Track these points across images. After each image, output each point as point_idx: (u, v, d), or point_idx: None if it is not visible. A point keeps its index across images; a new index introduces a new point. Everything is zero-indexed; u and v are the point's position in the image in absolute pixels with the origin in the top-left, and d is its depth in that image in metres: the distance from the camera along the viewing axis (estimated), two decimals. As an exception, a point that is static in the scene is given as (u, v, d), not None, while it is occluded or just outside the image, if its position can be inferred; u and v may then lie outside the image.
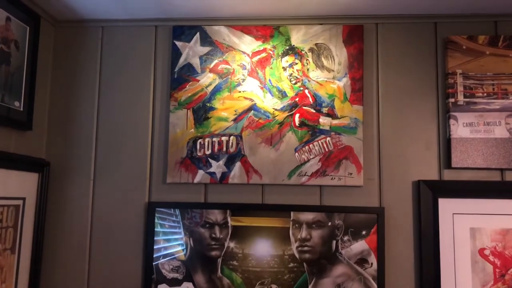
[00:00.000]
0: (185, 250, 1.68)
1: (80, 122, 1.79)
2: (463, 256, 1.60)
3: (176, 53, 1.77)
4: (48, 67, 1.80)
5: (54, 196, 1.75)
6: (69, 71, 1.82)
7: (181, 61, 1.77)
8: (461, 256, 1.60)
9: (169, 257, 1.68)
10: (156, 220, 1.69)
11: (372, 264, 1.62)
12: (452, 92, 1.65)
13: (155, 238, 1.69)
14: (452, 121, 1.64)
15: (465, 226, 1.61)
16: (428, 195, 1.62)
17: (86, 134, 1.78)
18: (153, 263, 1.68)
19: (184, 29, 1.78)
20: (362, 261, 1.62)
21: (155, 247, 1.68)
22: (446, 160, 1.65)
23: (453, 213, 1.62)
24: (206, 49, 1.77)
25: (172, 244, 1.68)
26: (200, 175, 1.71)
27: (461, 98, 1.65)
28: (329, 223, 1.65)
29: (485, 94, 1.64)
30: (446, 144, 1.66)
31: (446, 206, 1.62)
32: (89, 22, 1.83)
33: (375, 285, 1.60)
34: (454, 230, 1.61)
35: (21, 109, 1.58)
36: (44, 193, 1.69)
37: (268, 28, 1.76)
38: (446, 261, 1.60)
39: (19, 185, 1.56)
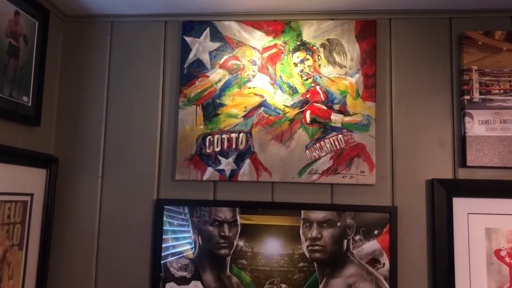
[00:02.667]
0: (193, 248, 1.65)
1: (89, 118, 1.77)
2: (478, 257, 1.56)
3: (185, 49, 1.75)
4: (57, 63, 1.79)
5: (62, 192, 1.74)
6: (78, 66, 1.80)
7: (191, 56, 1.74)
8: (476, 257, 1.56)
9: (178, 255, 1.66)
10: (164, 218, 1.67)
11: (384, 264, 1.58)
12: (468, 89, 1.61)
13: (163, 236, 1.66)
14: (467, 119, 1.60)
15: (480, 226, 1.57)
16: (442, 194, 1.59)
17: (95, 130, 1.77)
18: (161, 261, 1.65)
19: (194, 25, 1.75)
20: (374, 261, 1.59)
21: (163, 245, 1.66)
22: (460, 158, 1.61)
23: (468, 213, 1.58)
24: (216, 45, 1.74)
25: (180, 242, 1.66)
26: (209, 172, 1.68)
27: (476, 95, 1.61)
28: (340, 222, 1.61)
29: (502, 91, 1.60)
30: (461, 142, 1.62)
31: (461, 206, 1.58)
32: (98, 17, 1.81)
33: (387, 285, 1.57)
34: (469, 231, 1.57)
35: (29, 104, 1.57)
36: (52, 189, 1.68)
37: (279, 23, 1.73)
38: (461, 262, 1.56)
39: (27, 181, 1.55)
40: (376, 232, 1.60)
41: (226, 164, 1.68)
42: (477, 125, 1.60)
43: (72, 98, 1.79)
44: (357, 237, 1.60)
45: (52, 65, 1.74)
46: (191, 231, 1.66)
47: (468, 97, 1.61)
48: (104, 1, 1.70)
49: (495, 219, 1.57)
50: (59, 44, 1.79)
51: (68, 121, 1.78)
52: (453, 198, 1.58)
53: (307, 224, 1.62)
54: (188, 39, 1.75)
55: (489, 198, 1.57)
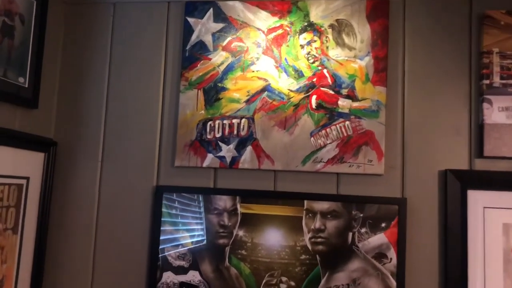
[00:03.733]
0: (192, 237, 1.60)
1: (90, 101, 1.73)
2: (494, 254, 1.44)
3: (188, 30, 1.68)
4: (59, 45, 1.75)
5: (60, 176, 1.71)
6: (79, 49, 1.76)
7: (193, 38, 1.68)
8: (492, 255, 1.44)
9: (176, 243, 1.60)
10: (163, 206, 1.62)
11: (391, 259, 1.49)
12: (487, 73, 1.49)
13: (162, 225, 1.61)
14: (486, 105, 1.48)
15: (497, 221, 1.45)
16: (456, 186, 1.47)
17: (96, 114, 1.72)
18: (159, 250, 1.60)
19: (197, 5, 1.68)
20: (380, 255, 1.49)
21: (161, 234, 1.61)
22: (477, 148, 1.49)
23: (484, 207, 1.46)
24: (219, 26, 1.67)
25: (179, 229, 1.60)
26: (209, 159, 1.61)
27: (497, 80, 1.48)
28: (346, 214, 1.52)
29: (525, 76, 1.47)
30: (478, 131, 1.50)
31: (476, 199, 1.46)
32: (101, -2, 1.76)
33: (394, 282, 1.47)
34: (485, 226, 1.46)
35: (26, 86, 1.53)
36: (50, 173, 1.65)
37: (286, 3, 1.64)
38: (475, 260, 1.45)
39: (23, 164, 1.52)
40: (383, 225, 1.50)
41: (227, 150, 1.61)
42: (496, 112, 1.47)
43: (74, 81, 1.75)
44: (363, 230, 1.51)
45: (52, 47, 1.70)
46: (190, 219, 1.60)
47: (488, 81, 1.49)
48: (106, -19, 1.65)
49: (514, 214, 1.45)
50: (61, 26, 1.75)
51: (69, 104, 1.74)
52: (468, 191, 1.46)
53: (310, 215, 1.54)
54: (190, 20, 1.68)
55: (508, 191, 1.45)
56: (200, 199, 1.60)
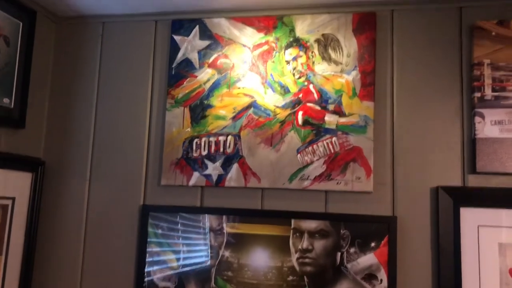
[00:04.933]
0: (178, 257, 1.56)
1: (79, 120, 1.74)
2: (491, 276, 1.37)
3: (174, 48, 1.68)
4: (48, 64, 1.76)
5: (48, 196, 1.70)
6: (69, 68, 1.77)
7: (179, 56, 1.67)
8: (487, 276, 1.37)
9: (162, 265, 1.57)
10: (149, 225, 1.60)
11: (381, 280, 1.42)
12: (478, 85, 1.43)
13: (148, 246, 1.59)
14: (477, 119, 1.42)
15: (492, 240, 1.38)
16: (448, 204, 1.41)
17: (84, 132, 1.72)
18: (145, 270, 1.58)
19: (183, 23, 1.68)
20: (370, 277, 1.43)
21: (147, 255, 1.58)
22: (470, 163, 1.43)
23: (478, 225, 1.39)
24: (205, 43, 1.65)
25: (165, 250, 1.57)
26: (196, 178, 1.59)
27: (488, 92, 1.42)
28: (334, 233, 1.47)
29: (518, 87, 1.41)
30: (470, 145, 1.44)
31: (470, 217, 1.40)
32: (90, 18, 1.77)
33: (384, 305, 1.41)
34: (480, 245, 1.38)
35: (11, 107, 1.54)
36: (38, 193, 1.65)
37: (271, 18, 1.62)
38: (470, 281, 1.37)
39: (9, 184, 1.52)
40: (373, 244, 1.44)
41: (213, 168, 1.58)
42: (489, 126, 1.41)
43: (63, 100, 1.76)
44: (352, 250, 1.45)
45: (41, 67, 1.71)
46: (176, 239, 1.57)
47: (479, 94, 1.43)
48: (95, 2, 1.66)
49: (510, 232, 1.37)
50: (50, 45, 1.77)
51: (58, 123, 1.75)
52: (460, 208, 1.40)
53: (298, 234, 1.49)
54: (177, 38, 1.68)
55: (503, 209, 1.38)
56: (186, 219, 1.57)
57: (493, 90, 1.42)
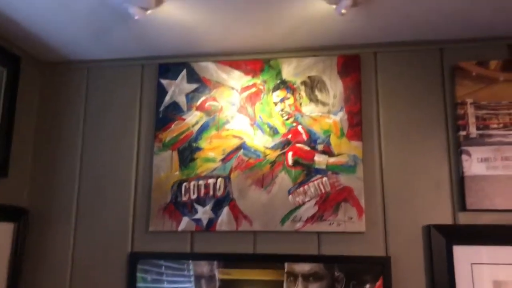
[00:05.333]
0: (168, 306, 1.51)
1: (64, 166, 1.70)
2: (487, 314, 1.36)
3: (161, 92, 1.68)
4: (33, 110, 1.73)
5: (32, 245, 1.64)
6: (53, 114, 1.75)
7: (167, 99, 1.67)
8: (484, 315, 1.36)
9: (151, 315, 1.51)
10: (138, 273, 1.54)
11: (378, 323, 1.40)
12: (463, 124, 1.47)
13: (137, 293, 1.53)
14: (464, 157, 1.45)
15: (487, 278, 1.38)
16: (441, 242, 1.41)
17: (69, 179, 1.68)
18: (134, 321, 1.51)
19: (170, 67, 1.69)
20: (367, 320, 1.41)
21: (136, 303, 1.52)
22: (460, 201, 1.44)
23: (472, 263, 1.39)
24: (193, 86, 1.66)
25: (155, 299, 1.52)
26: (185, 223, 1.56)
27: (473, 131, 1.46)
28: (328, 275, 1.45)
29: (501, 125, 1.44)
30: (459, 183, 1.45)
31: (463, 255, 1.40)
32: (75, 63, 1.77)
33: None
34: (474, 284, 1.38)
35: (-7, 156, 1.50)
36: (21, 243, 1.58)
37: (257, 62, 1.64)
38: (467, 321, 1.36)
39: (-11, 235, 1.46)
40: (368, 286, 1.42)
41: (203, 212, 1.56)
42: (476, 164, 1.44)
43: (47, 146, 1.72)
44: (347, 292, 1.43)
45: (26, 113, 1.68)
46: (167, 284, 1.52)
47: (464, 132, 1.46)
48: (80, 47, 1.66)
49: (504, 270, 1.38)
50: (35, 92, 1.74)
51: (42, 170, 1.70)
52: (453, 246, 1.40)
53: (292, 278, 1.47)
54: (164, 81, 1.68)
55: (495, 246, 1.39)
56: (176, 266, 1.53)
57: (478, 128, 1.46)
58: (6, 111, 1.55)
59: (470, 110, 1.47)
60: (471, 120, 1.46)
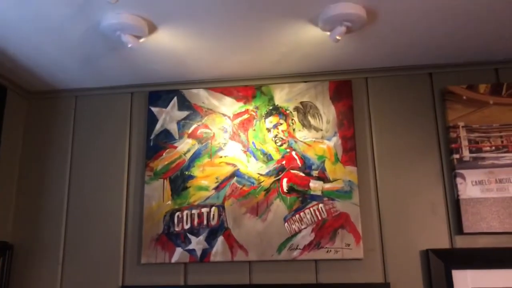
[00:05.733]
0: None
1: (50, 199, 1.64)
2: None
3: (152, 120, 1.65)
4: (18, 141, 1.68)
5: (17, 282, 1.56)
6: (40, 145, 1.69)
7: (158, 127, 1.64)
8: None
9: None
10: (129, 308, 1.48)
11: None
12: (456, 147, 1.48)
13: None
14: (459, 180, 1.45)
15: (487, 302, 1.37)
16: (439, 267, 1.40)
17: (56, 212, 1.62)
18: None
19: (161, 94, 1.67)
20: None
21: None
22: (456, 224, 1.44)
23: (472, 288, 1.38)
24: (184, 114, 1.64)
25: (148, 335, 1.46)
26: (178, 254, 1.51)
27: (466, 154, 1.47)
28: (327, 305, 1.41)
29: (494, 148, 1.46)
30: (454, 206, 1.45)
31: (463, 279, 1.38)
32: (62, 92, 1.73)
33: None
34: (475, 308, 1.36)
35: (-22, 188, 1.44)
36: (5, 279, 1.51)
37: (249, 88, 1.64)
38: None
39: (-28, 273, 1.39)
40: (368, 314, 1.39)
41: (197, 243, 1.52)
42: (470, 186, 1.44)
43: (33, 178, 1.66)
44: (347, 322, 1.40)
45: (11, 145, 1.63)
46: (160, 322, 1.46)
47: (458, 156, 1.47)
48: (68, 76, 1.63)
49: (503, 293, 1.37)
50: (20, 122, 1.70)
51: (27, 203, 1.64)
52: (452, 271, 1.39)
53: (290, 308, 1.43)
54: (154, 109, 1.66)
55: (494, 269, 1.38)
56: (170, 299, 1.48)
57: (470, 151, 1.47)
58: (-9, 142, 1.50)
59: (462, 133, 1.48)
60: (464, 143, 1.48)
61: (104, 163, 1.65)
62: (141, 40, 1.29)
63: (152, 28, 1.28)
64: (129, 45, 1.24)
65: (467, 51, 1.49)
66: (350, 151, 1.53)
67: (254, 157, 1.57)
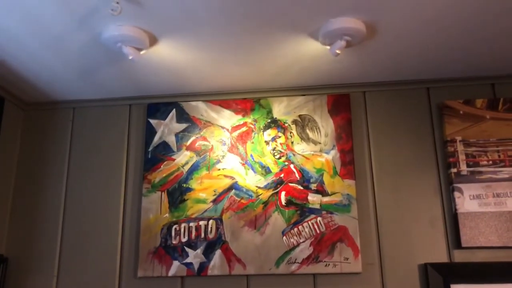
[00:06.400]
0: None
1: (46, 211, 1.62)
2: None
3: (150, 132, 1.64)
4: (14, 152, 1.67)
5: (10, 297, 1.54)
6: (36, 157, 1.68)
7: (156, 139, 1.64)
8: None
9: None
10: (125, 322, 1.46)
11: None
12: (454, 161, 1.49)
13: None
14: (456, 194, 1.46)
15: (486, 318, 1.36)
16: (438, 281, 1.39)
17: (52, 224, 1.60)
18: None
19: (160, 106, 1.67)
20: None
21: None
22: (454, 238, 1.44)
23: (470, 303, 1.37)
24: (182, 126, 1.64)
25: None
26: (176, 267, 1.50)
27: (464, 168, 1.47)
28: (326, 319, 1.40)
29: (491, 162, 1.47)
30: (453, 220, 1.46)
31: (461, 294, 1.38)
32: (60, 103, 1.72)
33: None
34: (474, 323, 1.36)
35: (-26, 199, 1.42)
36: (-2, 294, 1.48)
37: (248, 101, 1.64)
38: None
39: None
40: (367, 329, 1.38)
41: (194, 256, 1.50)
42: (468, 201, 1.45)
43: (28, 190, 1.65)
44: (346, 337, 1.38)
45: (7, 156, 1.62)
46: (156, 337, 1.44)
47: (455, 170, 1.48)
48: (66, 87, 1.62)
49: (502, 308, 1.36)
50: (17, 133, 1.69)
51: (22, 215, 1.62)
52: (451, 285, 1.38)
53: (288, 323, 1.41)
54: (153, 121, 1.65)
55: (494, 284, 1.37)
56: (166, 313, 1.46)
57: (468, 165, 1.47)
58: (-12, 153, 1.49)
59: (460, 148, 1.49)
60: (461, 157, 1.48)
61: (102, 175, 1.63)
62: (142, 52, 1.29)
63: (152, 41, 1.29)
64: (130, 57, 1.24)
65: (464, 67, 1.51)
66: (349, 164, 1.53)
67: (253, 169, 1.57)
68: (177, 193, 1.57)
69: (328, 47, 1.29)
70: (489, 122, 1.51)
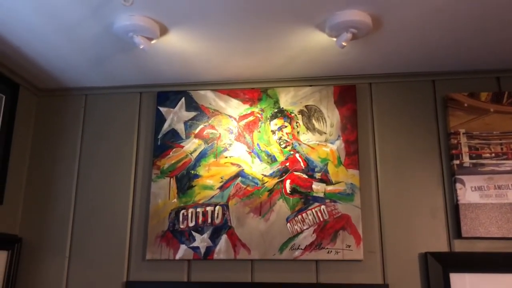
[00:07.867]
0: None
1: (58, 194, 1.68)
2: None
3: (160, 119, 1.69)
4: (28, 138, 1.73)
5: (25, 274, 1.60)
6: (49, 141, 1.74)
7: (165, 127, 1.68)
8: None
9: None
10: (133, 302, 1.52)
11: None
12: (456, 153, 1.51)
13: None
14: (458, 185, 1.48)
15: (484, 306, 1.40)
16: (437, 270, 1.43)
17: (64, 206, 1.66)
18: None
19: (169, 95, 1.71)
20: None
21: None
22: (455, 229, 1.47)
23: (469, 291, 1.41)
24: (191, 114, 1.68)
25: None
26: (183, 251, 1.55)
27: (466, 160, 1.50)
28: (327, 304, 1.45)
29: (493, 155, 1.49)
30: (454, 211, 1.49)
31: (460, 283, 1.41)
32: (72, 90, 1.77)
33: None
34: (472, 311, 1.39)
35: (-10, 182, 1.48)
36: (14, 271, 1.55)
37: (255, 91, 1.67)
38: None
39: (-18, 264, 1.42)
40: (367, 315, 1.42)
41: (201, 240, 1.55)
42: (470, 192, 1.47)
43: (42, 174, 1.70)
44: (346, 321, 1.43)
45: (22, 141, 1.68)
46: (163, 317, 1.50)
47: (458, 161, 1.50)
48: (78, 75, 1.67)
49: (500, 297, 1.40)
50: (31, 118, 1.74)
51: (36, 198, 1.68)
52: (450, 274, 1.42)
53: (290, 307, 1.46)
54: (163, 109, 1.70)
55: (492, 274, 1.41)
56: (173, 295, 1.51)
57: (470, 157, 1.50)
58: (4, 138, 1.54)
59: (463, 140, 1.52)
60: (464, 149, 1.51)
61: (112, 161, 1.68)
62: (153, 41, 1.33)
63: (163, 30, 1.32)
64: (141, 47, 1.28)
65: (470, 60, 1.52)
66: (353, 154, 1.56)
67: (259, 158, 1.61)
68: (185, 179, 1.61)
69: (335, 39, 1.31)
70: (493, 115, 1.53)
